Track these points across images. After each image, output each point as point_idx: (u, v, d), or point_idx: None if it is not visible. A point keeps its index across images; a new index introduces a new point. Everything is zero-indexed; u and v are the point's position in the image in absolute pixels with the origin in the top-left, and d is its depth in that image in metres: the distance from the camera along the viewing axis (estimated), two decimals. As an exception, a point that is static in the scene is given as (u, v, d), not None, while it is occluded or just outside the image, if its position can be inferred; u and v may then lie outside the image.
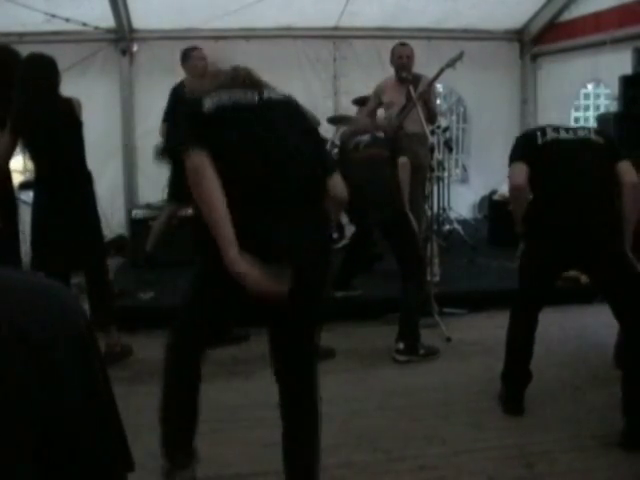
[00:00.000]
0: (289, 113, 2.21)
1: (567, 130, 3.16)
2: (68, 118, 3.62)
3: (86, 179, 3.78)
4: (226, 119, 2.09)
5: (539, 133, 3.14)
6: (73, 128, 3.65)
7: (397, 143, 4.27)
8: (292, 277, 1.96)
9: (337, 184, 2.22)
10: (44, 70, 3.58)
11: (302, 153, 2.13)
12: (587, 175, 3.04)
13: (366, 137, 4.25)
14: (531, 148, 3.12)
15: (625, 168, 3.03)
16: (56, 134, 3.57)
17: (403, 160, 4.09)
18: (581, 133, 3.16)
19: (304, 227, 2.08)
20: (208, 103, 2.09)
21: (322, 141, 2.31)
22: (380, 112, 5.36)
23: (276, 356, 2.29)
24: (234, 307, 2.23)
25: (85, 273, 3.90)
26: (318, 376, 2.30)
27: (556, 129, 3.15)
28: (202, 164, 1.97)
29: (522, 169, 3.07)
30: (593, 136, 3.14)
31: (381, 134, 4.28)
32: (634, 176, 3.02)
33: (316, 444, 2.26)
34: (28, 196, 4.05)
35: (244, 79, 2.21)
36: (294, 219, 2.05)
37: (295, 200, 2.07)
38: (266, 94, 2.18)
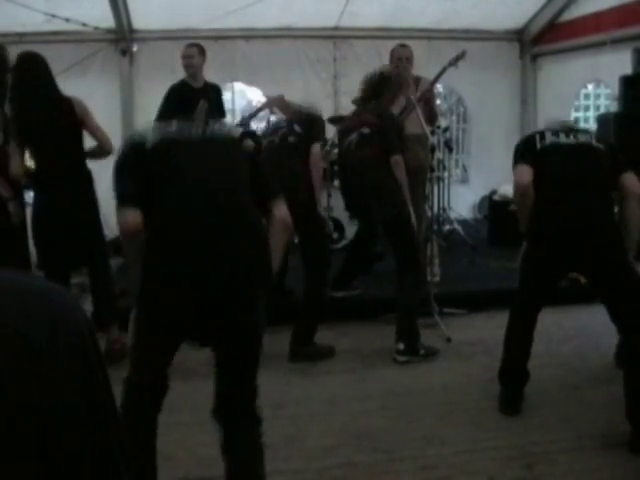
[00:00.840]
0: (227, 148, 2.34)
1: (568, 134, 3.14)
2: (68, 118, 3.62)
3: (86, 178, 3.78)
4: (165, 152, 2.18)
5: (538, 137, 3.14)
6: (73, 127, 3.65)
7: (387, 136, 4.07)
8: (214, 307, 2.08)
9: (279, 209, 2.29)
10: (38, 69, 3.58)
11: (232, 188, 2.20)
12: (586, 179, 3.03)
13: (354, 136, 4.12)
14: (530, 153, 3.11)
15: (631, 180, 3.02)
16: (56, 134, 3.57)
17: (395, 158, 4.00)
18: (582, 138, 3.14)
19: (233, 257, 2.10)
20: (151, 137, 2.20)
21: (261, 170, 2.40)
22: None
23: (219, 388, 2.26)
24: (172, 345, 2.22)
25: (88, 272, 3.91)
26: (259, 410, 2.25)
27: (556, 133, 3.14)
28: (135, 228, 2.10)
29: (526, 169, 3.07)
30: (594, 142, 3.13)
31: (366, 130, 4.10)
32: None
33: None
34: (28, 196, 4.05)
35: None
36: (221, 249, 2.10)
37: (229, 232, 2.12)
38: (210, 129, 2.29)
